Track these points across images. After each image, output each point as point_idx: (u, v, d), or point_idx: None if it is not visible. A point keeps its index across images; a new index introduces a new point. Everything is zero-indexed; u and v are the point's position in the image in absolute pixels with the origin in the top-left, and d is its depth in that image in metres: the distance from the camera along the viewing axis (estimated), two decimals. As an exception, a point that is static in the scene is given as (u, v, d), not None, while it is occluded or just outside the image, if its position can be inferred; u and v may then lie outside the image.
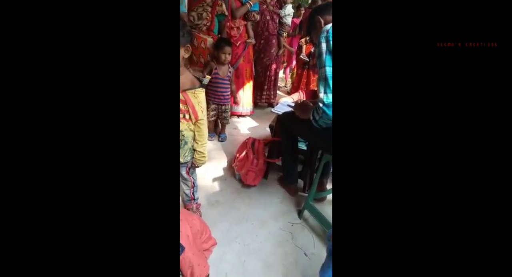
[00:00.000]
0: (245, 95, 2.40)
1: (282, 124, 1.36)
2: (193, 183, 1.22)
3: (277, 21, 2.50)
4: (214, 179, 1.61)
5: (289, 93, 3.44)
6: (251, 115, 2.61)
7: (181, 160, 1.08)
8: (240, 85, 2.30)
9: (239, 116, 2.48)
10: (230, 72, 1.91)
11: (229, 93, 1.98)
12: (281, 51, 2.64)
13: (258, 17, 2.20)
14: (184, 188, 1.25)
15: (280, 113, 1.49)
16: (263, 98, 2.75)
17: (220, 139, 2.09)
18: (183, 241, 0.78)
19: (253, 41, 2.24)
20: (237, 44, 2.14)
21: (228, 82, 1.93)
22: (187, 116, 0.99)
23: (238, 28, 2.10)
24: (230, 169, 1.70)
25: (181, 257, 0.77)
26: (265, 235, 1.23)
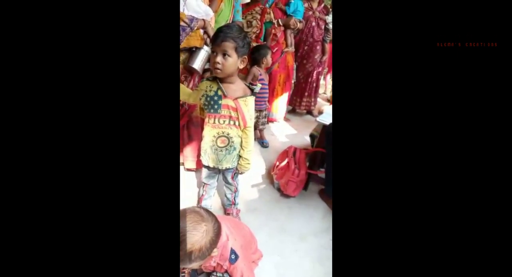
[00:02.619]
0: (277, 101, 2.37)
1: (330, 134, 1.30)
2: (236, 188, 1.23)
3: (323, 27, 2.44)
4: (253, 186, 1.61)
5: (329, 100, 3.33)
6: (289, 122, 2.56)
7: (229, 165, 1.09)
8: (271, 91, 2.27)
9: (269, 121, 2.44)
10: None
11: (267, 97, 1.96)
12: (324, 57, 2.56)
13: (299, 25, 2.14)
14: (226, 192, 1.26)
15: (327, 123, 1.43)
16: (303, 105, 2.69)
17: (264, 144, 2.07)
18: (236, 249, 0.77)
19: (290, 49, 2.19)
20: (274, 50, 2.11)
21: (267, 87, 1.93)
22: (236, 123, 1.00)
23: (275, 34, 2.08)
24: (269, 176, 1.68)
25: (234, 266, 0.77)
26: (305, 250, 1.18)
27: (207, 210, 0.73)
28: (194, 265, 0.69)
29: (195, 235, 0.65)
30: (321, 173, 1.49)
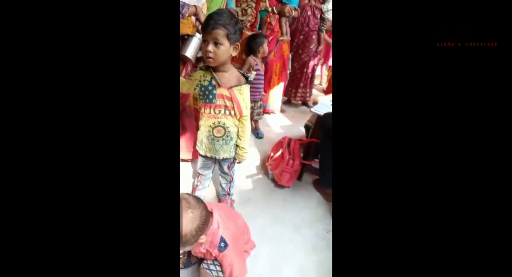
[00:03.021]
0: (274, 91, 2.33)
1: (325, 125, 1.30)
2: (232, 177, 1.23)
3: (318, 16, 2.39)
4: (247, 177, 1.61)
5: (324, 91, 3.31)
6: (284, 113, 2.55)
7: (226, 155, 1.09)
8: (268, 81, 2.23)
9: (265, 112, 2.41)
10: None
11: (262, 87, 1.94)
12: (320, 47, 2.53)
13: (294, 13, 2.09)
14: (222, 181, 1.26)
15: (321, 113, 1.42)
16: (298, 96, 2.66)
17: (258, 135, 2.07)
18: (227, 238, 0.78)
19: (285, 38, 2.15)
20: (269, 39, 2.06)
21: (262, 77, 1.90)
22: (232, 113, 0.99)
23: (270, 23, 2.03)
24: (263, 167, 1.68)
25: (223, 254, 0.77)
26: (299, 240, 1.19)
27: (196, 198, 0.73)
28: (181, 250, 0.70)
29: (181, 221, 0.66)
30: (315, 164, 1.49)
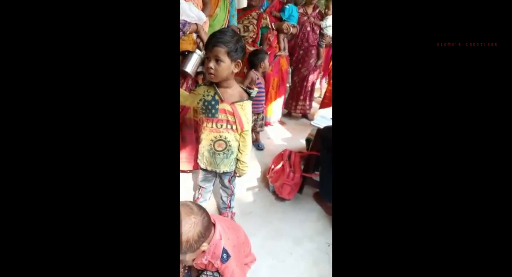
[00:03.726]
0: (272, 105, 2.39)
1: (324, 138, 1.32)
2: (233, 191, 1.23)
3: (317, 32, 2.48)
4: (248, 189, 1.61)
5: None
6: (284, 125, 2.58)
7: (227, 169, 1.10)
8: (265, 94, 2.29)
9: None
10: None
11: (264, 100, 1.98)
12: (319, 62, 2.59)
13: (292, 30, 2.16)
14: (222, 194, 1.27)
15: (321, 126, 1.44)
16: (298, 109, 2.71)
17: (259, 147, 2.09)
18: (229, 249, 0.78)
19: (283, 53, 2.22)
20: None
21: (264, 90, 1.95)
22: (234, 127, 1.01)
23: (268, 38, 2.11)
24: (264, 179, 1.69)
25: (225, 265, 0.77)
26: (300, 253, 1.18)
27: (198, 205, 0.74)
28: (184, 257, 0.70)
29: (183, 226, 0.66)
30: (316, 176, 1.50)
